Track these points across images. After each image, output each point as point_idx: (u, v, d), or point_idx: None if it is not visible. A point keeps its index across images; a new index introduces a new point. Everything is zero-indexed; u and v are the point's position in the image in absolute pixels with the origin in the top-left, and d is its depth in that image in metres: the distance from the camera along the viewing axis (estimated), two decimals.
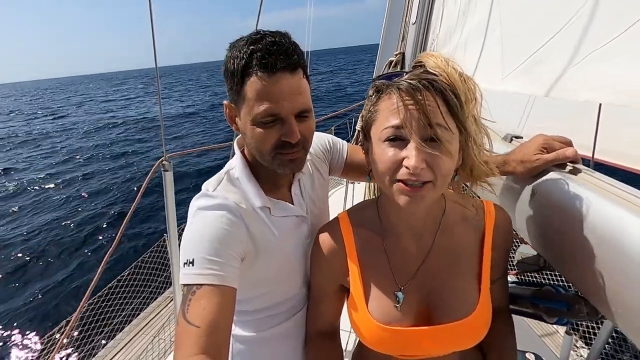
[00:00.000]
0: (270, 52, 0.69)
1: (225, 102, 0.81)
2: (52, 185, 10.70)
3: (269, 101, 0.70)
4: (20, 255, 6.80)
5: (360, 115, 1.98)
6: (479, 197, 0.73)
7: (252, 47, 0.70)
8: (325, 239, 0.81)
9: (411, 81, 0.60)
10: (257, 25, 2.08)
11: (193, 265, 0.66)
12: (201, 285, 0.65)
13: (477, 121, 0.64)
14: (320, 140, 1.02)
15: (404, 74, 0.63)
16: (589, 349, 2.39)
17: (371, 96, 0.68)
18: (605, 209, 0.61)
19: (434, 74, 0.61)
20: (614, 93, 0.66)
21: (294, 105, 0.72)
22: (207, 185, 0.80)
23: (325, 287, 0.83)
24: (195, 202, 0.76)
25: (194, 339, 0.59)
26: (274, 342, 0.89)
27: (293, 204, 0.86)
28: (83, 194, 9.67)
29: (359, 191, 2.22)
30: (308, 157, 0.92)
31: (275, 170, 0.79)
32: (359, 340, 0.82)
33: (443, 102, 0.60)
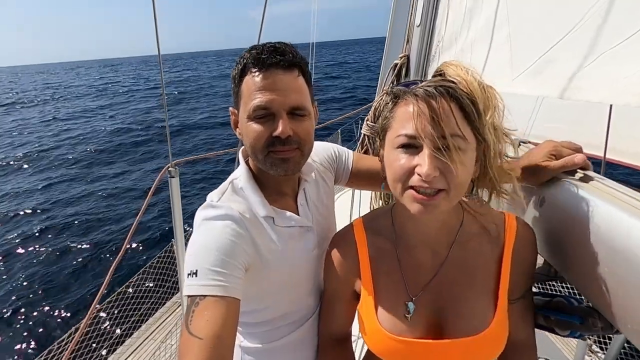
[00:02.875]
0: (266, 52, 0.73)
1: (230, 108, 0.83)
2: (54, 190, 10.79)
3: (261, 95, 0.72)
4: (28, 261, 6.87)
5: (366, 119, 1.97)
6: (500, 210, 0.71)
7: (252, 51, 0.74)
8: (339, 244, 0.82)
9: (427, 88, 0.60)
10: (262, 17, 2.08)
11: (196, 276, 0.66)
12: (204, 296, 0.64)
13: (497, 130, 0.63)
14: (326, 149, 1.02)
15: (422, 82, 0.64)
16: (604, 353, 2.33)
17: (388, 103, 0.68)
18: (616, 218, 0.58)
19: (453, 82, 0.61)
20: (628, 94, 0.64)
21: (285, 100, 0.73)
22: (212, 196, 0.80)
23: (339, 292, 0.83)
24: (200, 213, 0.76)
25: (197, 350, 0.58)
26: (284, 353, 0.87)
27: (299, 214, 0.85)
28: (88, 200, 9.75)
29: (365, 196, 2.20)
30: (313, 165, 0.92)
31: (277, 179, 0.79)
32: (368, 349, 0.80)
33: (459, 109, 0.60)
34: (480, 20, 1.28)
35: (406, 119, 0.61)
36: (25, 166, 13.25)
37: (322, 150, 1.00)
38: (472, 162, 0.62)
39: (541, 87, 0.88)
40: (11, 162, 13.75)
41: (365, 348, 0.92)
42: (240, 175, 0.83)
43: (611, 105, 1.03)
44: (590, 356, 2.34)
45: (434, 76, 0.66)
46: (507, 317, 0.71)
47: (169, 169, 2.09)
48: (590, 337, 2.33)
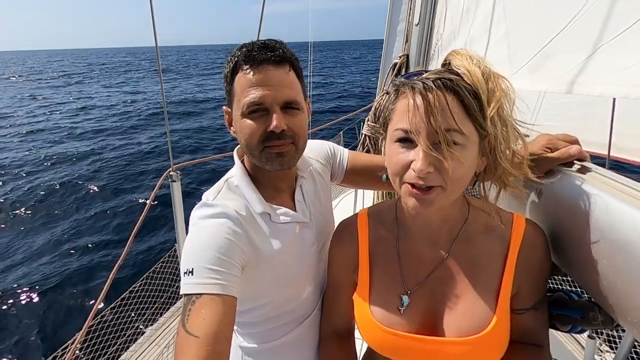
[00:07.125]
0: (256, 49, 0.74)
1: (224, 107, 0.83)
2: (54, 194, 10.73)
3: (254, 90, 0.73)
4: (27, 270, 6.85)
5: (367, 119, 1.95)
6: (499, 204, 0.70)
7: (243, 49, 0.75)
8: (341, 232, 0.83)
9: (426, 81, 0.58)
10: (262, 13, 2.08)
11: (192, 274, 0.65)
12: (200, 294, 0.64)
13: (505, 121, 0.61)
14: (321, 146, 1.03)
15: (426, 73, 0.62)
16: (614, 353, 2.29)
17: (391, 94, 0.67)
18: (615, 209, 0.56)
19: (455, 73, 0.59)
20: (630, 86, 0.62)
21: (277, 95, 0.73)
22: (207, 195, 0.80)
23: (339, 281, 0.83)
24: (196, 212, 0.76)
25: (194, 349, 0.58)
26: (284, 352, 0.87)
27: (296, 210, 0.85)
28: (90, 203, 9.69)
29: (368, 196, 2.19)
30: (309, 161, 0.93)
31: (273, 176, 0.80)
32: (369, 346, 0.80)
33: (458, 102, 0.58)
34: (478, 17, 1.27)
35: (403, 112, 0.61)
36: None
37: (317, 148, 1.01)
38: (474, 157, 0.61)
39: (540, 82, 0.87)
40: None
41: (366, 346, 0.91)
42: (235, 173, 0.83)
43: (614, 99, 1.01)
44: (600, 355, 2.30)
45: (442, 65, 0.64)
46: (509, 321, 0.67)
47: (170, 173, 2.09)
48: (599, 335, 2.29)
